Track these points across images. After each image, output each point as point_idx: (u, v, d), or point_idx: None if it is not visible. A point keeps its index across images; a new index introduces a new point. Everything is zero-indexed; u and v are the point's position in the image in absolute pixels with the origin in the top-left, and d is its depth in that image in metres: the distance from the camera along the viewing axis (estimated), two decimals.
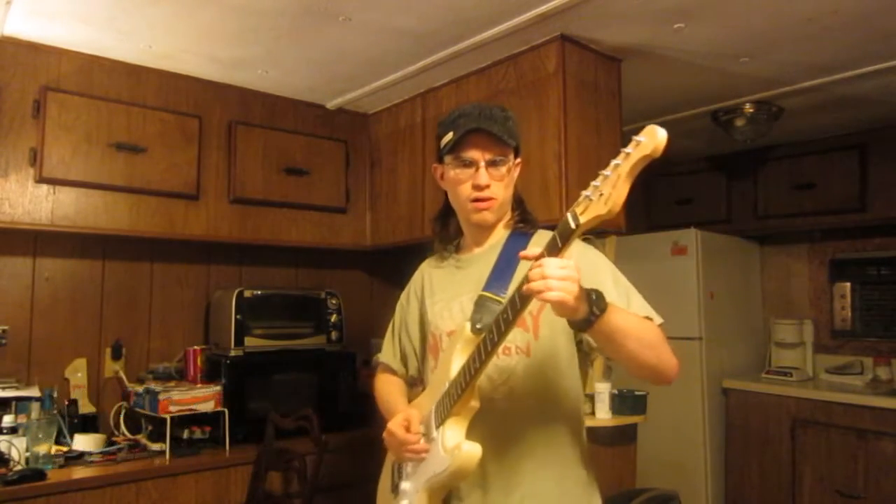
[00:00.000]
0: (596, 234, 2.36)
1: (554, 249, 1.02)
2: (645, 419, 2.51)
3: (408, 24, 2.21)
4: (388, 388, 1.55)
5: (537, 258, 1.03)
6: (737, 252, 3.94)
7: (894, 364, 3.42)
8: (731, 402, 3.58)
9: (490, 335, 1.13)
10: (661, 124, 0.93)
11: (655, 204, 4.29)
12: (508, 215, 1.42)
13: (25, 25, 2.24)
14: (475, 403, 1.22)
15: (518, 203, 1.44)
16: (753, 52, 2.43)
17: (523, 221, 1.41)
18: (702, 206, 4.03)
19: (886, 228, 3.48)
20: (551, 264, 1.01)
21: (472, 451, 1.19)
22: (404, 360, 1.56)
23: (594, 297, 1.06)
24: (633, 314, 1.19)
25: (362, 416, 2.95)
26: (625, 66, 2.48)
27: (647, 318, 1.24)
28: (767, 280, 4.08)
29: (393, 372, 1.58)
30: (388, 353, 1.60)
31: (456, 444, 1.20)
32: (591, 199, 0.96)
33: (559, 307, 1.03)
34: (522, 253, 1.10)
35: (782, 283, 4.00)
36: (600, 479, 1.39)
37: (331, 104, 3.06)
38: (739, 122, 3.08)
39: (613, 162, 0.93)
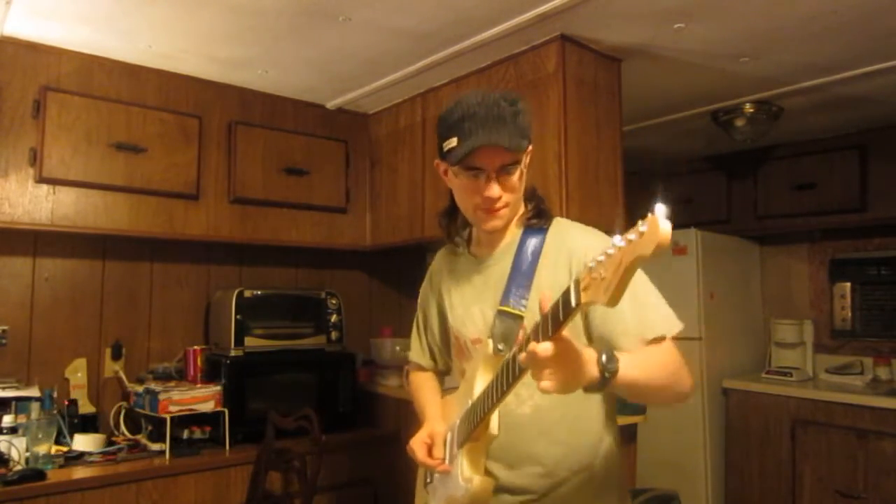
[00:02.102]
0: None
1: (556, 323, 0.93)
2: (645, 419, 2.51)
3: (408, 24, 2.21)
4: (421, 387, 1.54)
5: (533, 335, 0.96)
6: (737, 252, 3.94)
7: (894, 364, 3.42)
8: (731, 403, 3.57)
9: (505, 375, 1.08)
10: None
11: (655, 204, 4.28)
12: (522, 209, 1.34)
13: (25, 25, 2.24)
14: (493, 433, 1.20)
15: (531, 195, 1.35)
16: (753, 52, 2.43)
17: (537, 216, 1.32)
18: (702, 206, 4.02)
19: (886, 228, 3.48)
20: (537, 355, 0.93)
21: (484, 486, 1.20)
22: (433, 355, 1.56)
23: (604, 359, 1.00)
24: (645, 359, 1.12)
25: (362, 416, 2.95)
26: (625, 66, 2.48)
27: (661, 337, 1.17)
28: (767, 280, 4.07)
29: (424, 368, 1.57)
30: (416, 352, 1.58)
31: (469, 477, 1.21)
32: (594, 278, 0.86)
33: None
34: (541, 302, 0.98)
35: (782, 283, 4.00)
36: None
37: (331, 104, 3.06)
38: (739, 122, 3.08)
39: (616, 244, 0.83)
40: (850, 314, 3.65)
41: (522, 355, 0.97)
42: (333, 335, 2.93)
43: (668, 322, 1.20)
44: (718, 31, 2.24)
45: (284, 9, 2.10)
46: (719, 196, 3.97)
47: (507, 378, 1.07)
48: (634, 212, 3.65)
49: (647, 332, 1.17)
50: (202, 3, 2.07)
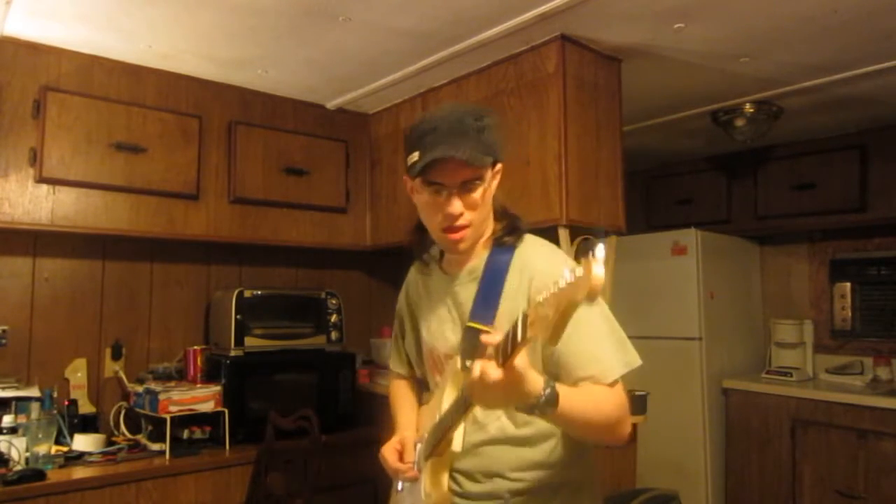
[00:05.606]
0: (596, 234, 2.37)
1: (504, 356, 0.93)
2: (645, 419, 2.50)
3: (408, 24, 2.21)
4: (396, 395, 1.56)
5: (494, 346, 0.96)
6: (737, 252, 3.94)
7: (894, 364, 3.42)
8: (731, 402, 3.57)
9: (461, 401, 1.11)
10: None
11: (655, 204, 4.29)
12: (489, 230, 1.31)
13: (25, 25, 2.24)
14: (456, 450, 1.22)
15: (503, 213, 1.32)
16: (753, 52, 2.43)
17: (509, 234, 1.29)
18: (702, 206, 4.03)
19: (886, 228, 3.48)
20: (480, 376, 0.96)
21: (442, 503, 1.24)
22: (409, 363, 1.57)
23: (543, 398, 1.00)
24: (588, 401, 1.12)
25: (362, 416, 2.95)
26: (625, 66, 2.48)
27: (614, 381, 1.17)
28: (767, 280, 4.08)
29: (403, 376, 1.59)
30: (395, 360, 1.61)
31: (429, 493, 1.24)
32: (539, 315, 0.85)
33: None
34: (484, 338, 0.99)
35: (782, 283, 4.00)
36: (601, 481, 1.38)
37: (331, 104, 3.06)
38: (739, 122, 3.08)
39: (564, 277, 0.82)
40: (850, 314, 3.66)
41: (471, 373, 0.98)
42: (333, 335, 2.93)
43: (626, 360, 1.20)
44: (718, 31, 2.24)
45: (284, 9, 2.10)
46: (719, 196, 3.97)
47: (463, 403, 1.10)
48: (634, 211, 3.65)
49: (601, 376, 1.17)
50: (202, 3, 2.07)
